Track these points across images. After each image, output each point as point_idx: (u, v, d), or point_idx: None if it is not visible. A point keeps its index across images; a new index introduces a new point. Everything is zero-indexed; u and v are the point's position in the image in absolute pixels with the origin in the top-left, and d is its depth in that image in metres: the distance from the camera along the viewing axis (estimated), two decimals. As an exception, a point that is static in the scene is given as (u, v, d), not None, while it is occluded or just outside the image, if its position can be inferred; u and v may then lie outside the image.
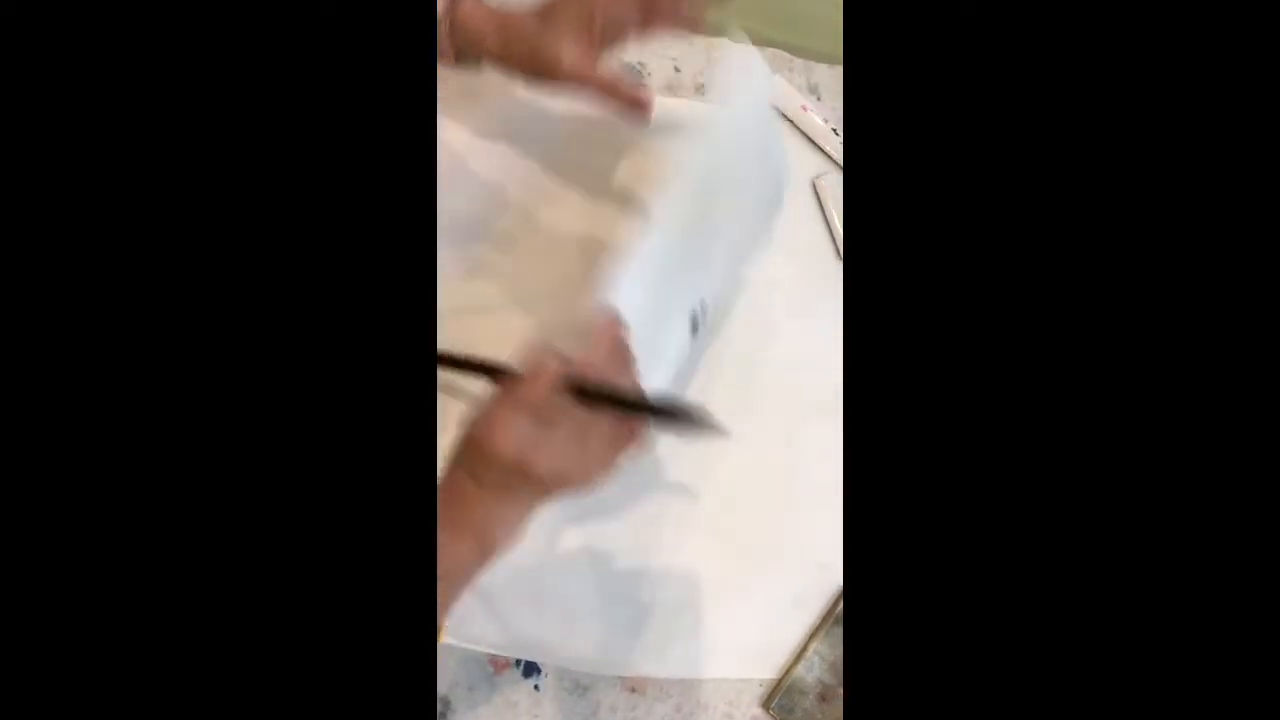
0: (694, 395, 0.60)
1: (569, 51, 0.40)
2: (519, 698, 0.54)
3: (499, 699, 0.53)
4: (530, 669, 0.54)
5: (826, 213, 0.67)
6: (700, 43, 0.66)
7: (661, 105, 0.49)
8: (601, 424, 0.42)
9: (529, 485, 0.41)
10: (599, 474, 0.43)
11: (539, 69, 0.42)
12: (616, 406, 0.42)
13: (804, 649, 0.59)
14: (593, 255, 0.56)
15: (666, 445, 0.59)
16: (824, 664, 0.59)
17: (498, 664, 0.54)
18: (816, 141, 0.67)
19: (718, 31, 0.66)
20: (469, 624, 0.53)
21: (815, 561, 0.60)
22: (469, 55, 0.43)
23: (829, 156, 0.68)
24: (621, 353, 0.44)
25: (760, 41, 0.68)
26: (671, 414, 0.42)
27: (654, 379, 0.47)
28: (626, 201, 0.59)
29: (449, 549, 0.39)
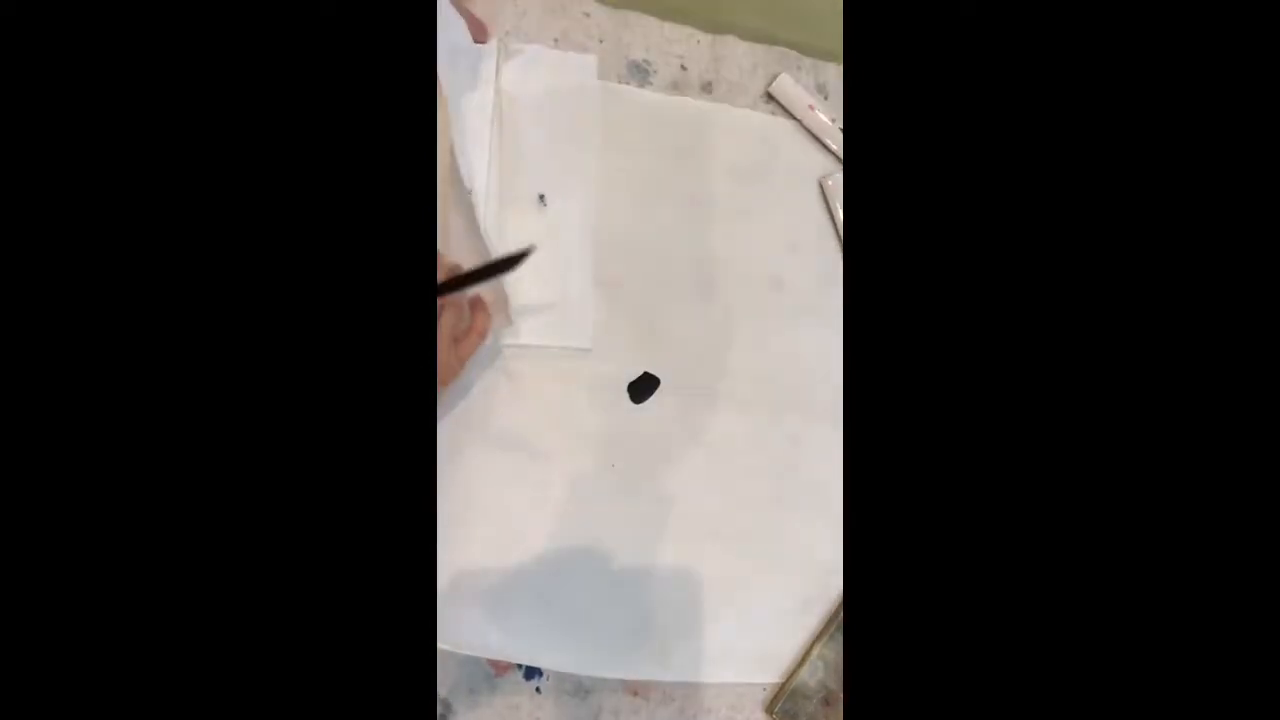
0: (700, 394, 0.60)
1: None
2: (520, 700, 0.53)
3: (500, 702, 0.53)
4: (532, 672, 0.54)
5: (833, 213, 0.66)
6: (706, 40, 0.66)
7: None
8: (443, 323, 0.47)
9: None
10: (456, 371, 0.49)
11: None
12: (463, 285, 0.47)
13: (807, 653, 0.59)
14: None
15: (668, 449, 0.58)
16: (827, 668, 0.59)
17: (499, 667, 0.53)
18: (824, 141, 0.67)
19: (725, 29, 0.66)
20: (470, 629, 0.52)
21: (819, 565, 0.60)
22: None
23: (836, 156, 0.67)
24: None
25: (769, 40, 0.67)
26: (498, 266, 0.46)
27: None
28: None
29: None
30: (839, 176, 0.66)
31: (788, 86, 0.66)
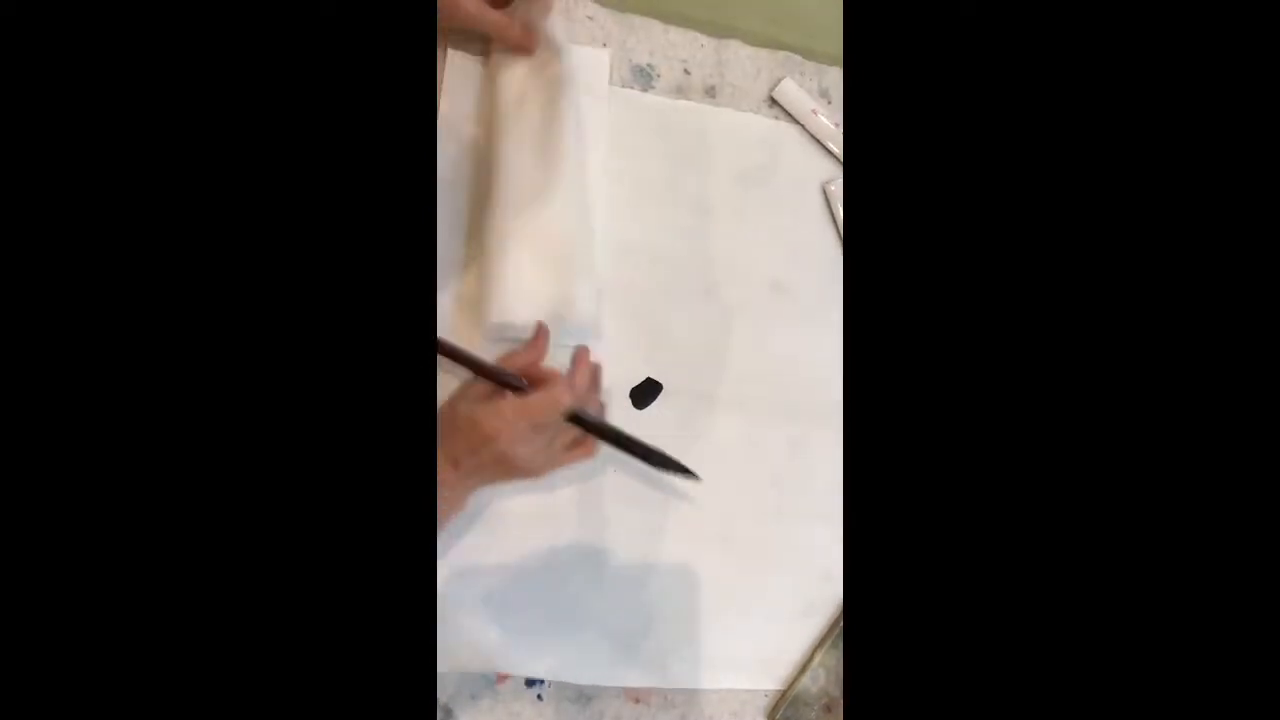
0: (701, 399, 0.60)
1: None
2: (521, 707, 0.53)
3: (501, 709, 0.53)
4: (532, 678, 0.53)
5: (836, 217, 0.66)
6: (710, 45, 0.65)
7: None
8: (570, 433, 0.51)
9: (500, 475, 0.49)
10: (554, 470, 0.52)
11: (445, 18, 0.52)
12: (604, 439, 0.52)
13: (809, 660, 0.59)
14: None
15: (669, 453, 0.58)
16: (829, 675, 0.58)
17: (500, 673, 0.53)
18: (826, 145, 0.67)
19: (728, 33, 0.66)
20: (469, 637, 0.52)
21: (821, 572, 0.60)
22: None
23: (839, 160, 0.67)
24: (596, 380, 0.56)
25: (771, 44, 0.67)
26: (650, 456, 0.53)
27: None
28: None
29: None
30: (841, 181, 0.66)
31: (791, 91, 0.66)
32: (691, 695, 0.56)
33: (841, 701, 0.58)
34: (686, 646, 0.57)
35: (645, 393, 0.58)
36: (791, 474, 0.61)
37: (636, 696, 0.55)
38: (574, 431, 0.51)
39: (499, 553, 0.54)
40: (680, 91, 0.64)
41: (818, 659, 0.58)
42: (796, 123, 0.67)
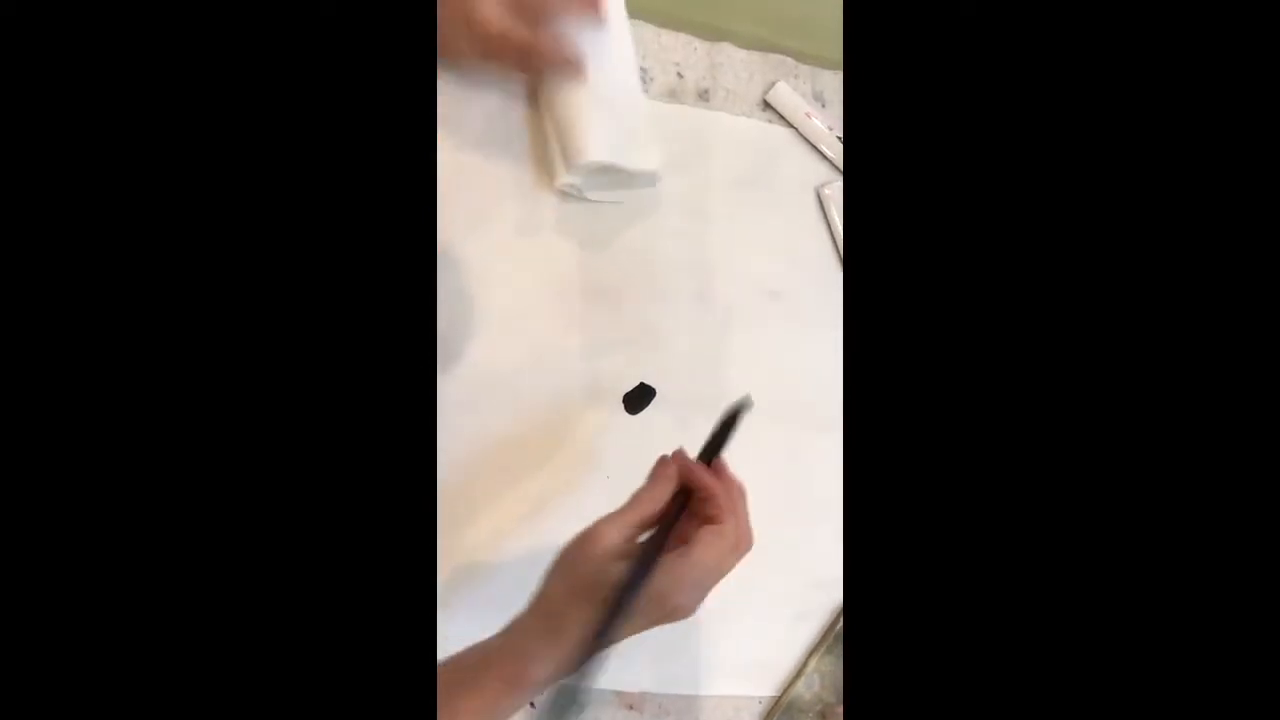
0: (696, 405, 0.59)
1: (491, 13, 0.45)
2: (516, 714, 0.53)
3: (494, 716, 0.52)
4: (526, 685, 0.53)
5: (831, 222, 0.66)
6: (703, 48, 0.65)
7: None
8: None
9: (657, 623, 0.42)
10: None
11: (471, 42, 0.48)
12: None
13: (804, 666, 0.58)
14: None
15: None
16: (824, 681, 0.58)
17: (493, 680, 0.53)
18: (821, 149, 0.66)
19: (722, 36, 0.66)
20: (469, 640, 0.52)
21: (816, 578, 0.60)
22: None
23: (833, 164, 0.67)
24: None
25: (765, 47, 0.67)
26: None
27: None
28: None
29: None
30: (836, 185, 0.66)
31: (785, 94, 0.66)
32: (686, 701, 0.56)
33: (835, 707, 0.58)
34: (681, 652, 0.56)
35: (639, 398, 0.58)
36: (787, 479, 0.60)
37: (630, 703, 0.55)
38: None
39: (490, 559, 0.54)
40: (673, 95, 0.64)
41: (813, 664, 0.58)
42: (790, 126, 0.66)
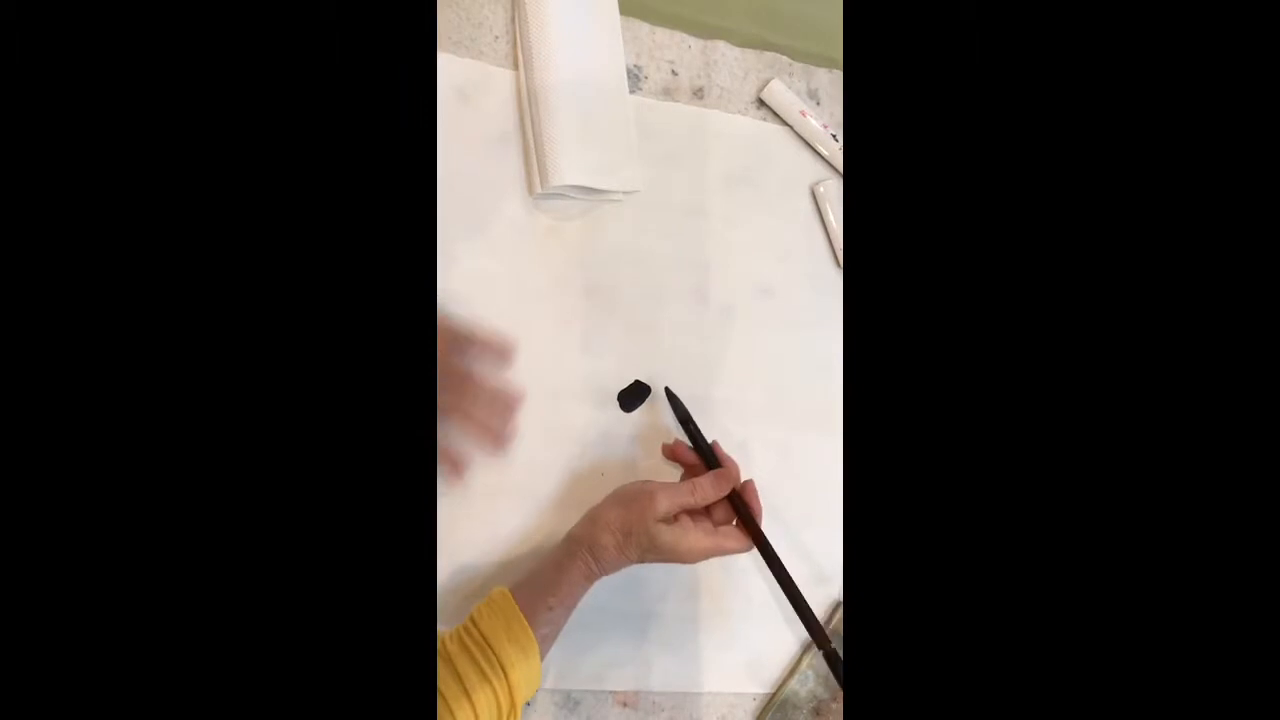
0: (691, 402, 0.60)
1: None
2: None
3: (489, 714, 0.52)
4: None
5: (826, 220, 0.66)
6: (697, 45, 0.65)
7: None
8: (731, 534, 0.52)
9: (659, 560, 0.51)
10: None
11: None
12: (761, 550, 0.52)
13: (798, 663, 0.58)
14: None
15: (659, 457, 0.58)
16: (818, 678, 0.58)
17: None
18: (815, 146, 0.66)
19: (716, 34, 0.65)
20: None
21: (810, 574, 0.60)
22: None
23: (828, 162, 0.67)
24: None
25: (759, 45, 0.67)
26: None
27: None
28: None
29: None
30: (830, 183, 0.66)
31: (779, 92, 0.66)
32: (680, 698, 0.56)
33: (830, 704, 0.58)
34: (675, 650, 0.56)
35: (633, 395, 0.58)
36: (782, 477, 0.61)
37: (625, 700, 0.55)
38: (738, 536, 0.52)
39: (485, 555, 0.54)
40: (668, 93, 0.64)
41: (806, 662, 0.58)
42: (785, 124, 0.66)
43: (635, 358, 0.59)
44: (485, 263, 0.57)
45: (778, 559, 0.51)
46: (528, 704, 0.53)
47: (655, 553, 0.49)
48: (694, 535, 0.49)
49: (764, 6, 0.68)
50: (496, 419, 0.54)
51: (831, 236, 0.66)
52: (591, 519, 0.50)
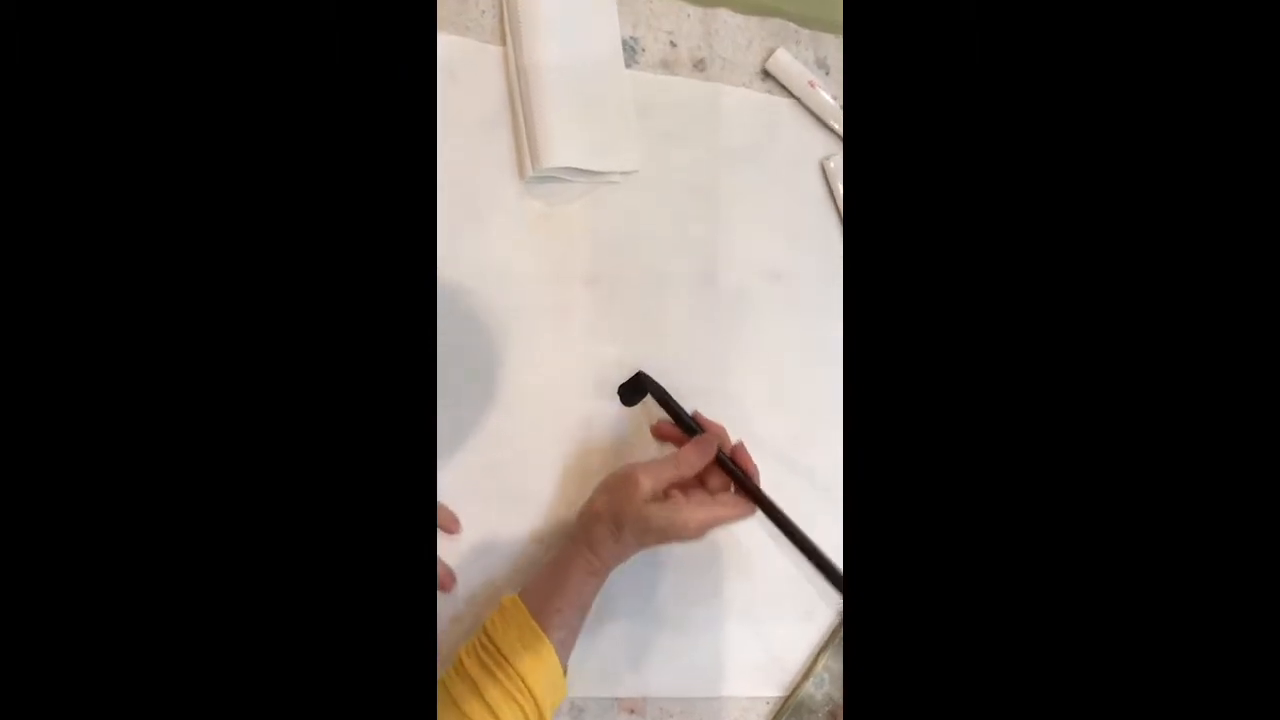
0: (697, 393, 0.57)
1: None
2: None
3: (490, 723, 0.51)
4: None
5: (836, 197, 0.62)
6: (697, 14, 0.61)
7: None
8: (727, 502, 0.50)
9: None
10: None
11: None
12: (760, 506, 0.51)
13: (813, 665, 0.56)
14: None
15: (663, 450, 0.55)
16: (834, 681, 0.56)
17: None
18: (825, 120, 0.63)
19: (717, 1, 0.62)
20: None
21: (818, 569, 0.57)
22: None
23: (838, 136, 0.63)
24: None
25: (763, 11, 0.63)
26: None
27: None
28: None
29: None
30: (841, 158, 0.62)
31: (786, 62, 0.62)
32: (690, 704, 0.54)
33: (847, 708, 0.56)
34: (684, 653, 0.54)
35: (634, 389, 0.55)
36: (793, 471, 0.58)
37: (631, 707, 0.53)
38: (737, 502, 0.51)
39: (485, 555, 0.52)
40: (666, 66, 0.60)
41: (822, 663, 0.56)
42: (792, 96, 0.63)
43: (637, 346, 0.57)
44: (476, 251, 0.54)
45: (779, 510, 0.50)
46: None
47: (653, 534, 0.47)
48: (688, 509, 0.47)
49: (768, -30, 0.64)
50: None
51: (842, 214, 0.62)
52: (583, 513, 0.49)
